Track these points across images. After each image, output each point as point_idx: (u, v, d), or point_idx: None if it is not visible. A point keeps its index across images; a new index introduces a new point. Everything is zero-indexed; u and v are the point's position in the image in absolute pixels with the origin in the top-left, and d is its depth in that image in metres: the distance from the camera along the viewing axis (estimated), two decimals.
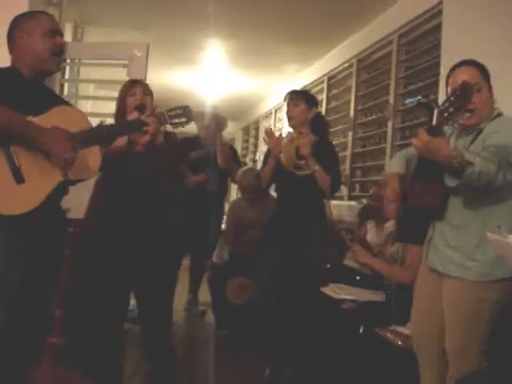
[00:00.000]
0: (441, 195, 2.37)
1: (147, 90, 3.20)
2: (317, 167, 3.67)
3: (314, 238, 3.81)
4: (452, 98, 2.12)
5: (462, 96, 2.12)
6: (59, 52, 2.42)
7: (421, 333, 2.57)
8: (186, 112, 2.74)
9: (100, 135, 2.43)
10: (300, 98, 3.89)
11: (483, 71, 2.42)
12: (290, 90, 4.14)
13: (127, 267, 3.18)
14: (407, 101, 4.85)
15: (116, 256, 3.16)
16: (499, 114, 2.43)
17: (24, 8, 3.92)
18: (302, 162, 3.70)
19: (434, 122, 2.14)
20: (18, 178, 2.20)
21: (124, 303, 3.32)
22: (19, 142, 2.21)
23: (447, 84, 2.47)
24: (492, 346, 2.34)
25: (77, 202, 3.90)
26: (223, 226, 5.65)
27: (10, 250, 2.22)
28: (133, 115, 2.94)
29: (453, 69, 2.47)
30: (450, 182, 2.25)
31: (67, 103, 2.61)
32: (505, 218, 2.31)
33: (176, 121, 2.72)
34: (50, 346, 3.60)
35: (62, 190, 2.36)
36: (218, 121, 5.75)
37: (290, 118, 3.89)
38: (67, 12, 5.21)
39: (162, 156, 3.20)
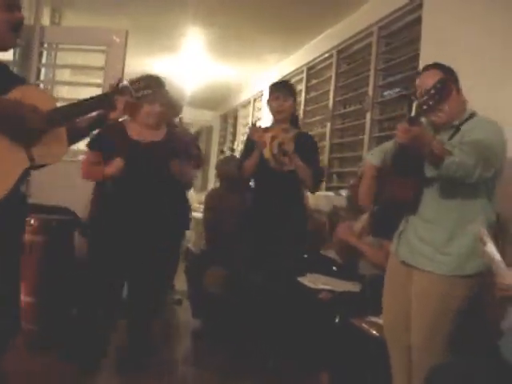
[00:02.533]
0: (414, 189, 2.41)
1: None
2: (299, 163, 3.66)
3: (294, 229, 3.81)
4: (432, 91, 2.16)
5: (441, 90, 2.16)
6: (17, 27, 2.27)
7: (390, 325, 2.62)
8: (149, 83, 2.60)
9: (66, 114, 2.33)
10: (289, 93, 3.91)
11: (449, 74, 2.45)
12: (268, 79, 4.14)
13: (125, 257, 3.40)
14: (386, 93, 4.87)
15: (115, 246, 3.38)
16: (473, 114, 2.48)
17: None
18: (286, 158, 3.67)
19: (414, 112, 2.19)
20: None
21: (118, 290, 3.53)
22: None
23: (416, 87, 2.50)
24: (456, 342, 2.39)
25: (48, 188, 3.97)
26: (197, 214, 5.66)
27: None
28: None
29: (419, 72, 2.54)
30: (429, 172, 2.28)
31: (23, 80, 2.48)
32: (478, 215, 2.35)
33: (140, 94, 2.56)
34: (24, 332, 3.61)
35: (26, 174, 2.28)
36: (173, 105, 5.75)
37: (279, 112, 3.85)
38: None
39: (160, 151, 3.42)
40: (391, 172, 2.46)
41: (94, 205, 3.58)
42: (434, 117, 2.41)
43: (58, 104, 2.40)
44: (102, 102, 2.51)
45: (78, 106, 2.41)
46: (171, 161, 3.38)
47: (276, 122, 3.92)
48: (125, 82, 2.58)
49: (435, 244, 2.40)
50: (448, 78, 2.26)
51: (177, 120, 5.33)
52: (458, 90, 2.47)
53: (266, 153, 3.71)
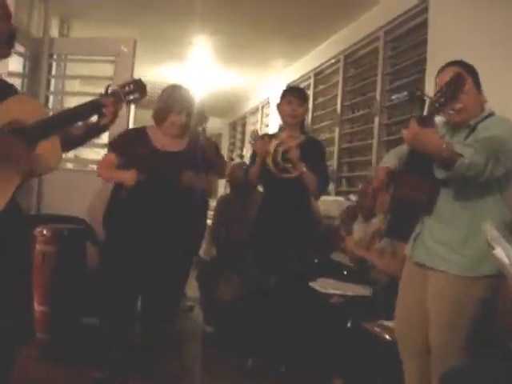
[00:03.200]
0: (429, 191, 2.39)
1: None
2: (304, 169, 3.66)
3: (299, 235, 3.81)
4: (444, 89, 2.15)
5: (454, 85, 2.14)
6: (12, 38, 2.26)
7: (404, 330, 2.59)
8: (138, 86, 2.53)
9: (56, 124, 2.28)
10: (304, 99, 3.92)
11: (470, 71, 2.43)
12: (275, 86, 4.14)
13: (139, 269, 3.33)
14: (394, 97, 4.88)
15: (129, 256, 3.33)
16: (491, 114, 2.45)
17: (11, 3, 3.89)
18: (290, 165, 3.67)
19: (426, 111, 2.17)
20: None
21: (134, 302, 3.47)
22: None
23: (436, 85, 2.48)
24: (475, 343, 2.37)
25: (59, 198, 3.96)
26: (209, 221, 5.66)
27: None
28: None
29: (440, 70, 2.49)
30: (440, 174, 2.27)
31: (16, 91, 2.45)
32: (492, 214, 2.32)
33: (131, 97, 2.50)
34: (37, 341, 3.64)
35: (20, 185, 2.25)
36: (198, 116, 5.77)
37: (292, 117, 3.83)
38: (53, 7, 5.19)
39: (181, 162, 3.37)
40: (406, 171, 2.44)
41: (109, 214, 3.57)
42: (448, 115, 2.39)
43: None
44: (90, 108, 2.44)
45: (66, 115, 2.38)
46: (183, 172, 3.35)
47: (286, 126, 3.90)
48: (115, 87, 2.53)
49: (450, 244, 2.38)
50: (462, 74, 2.23)
51: (200, 129, 5.35)
52: (478, 89, 2.44)
53: (268, 161, 3.69)
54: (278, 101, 4.01)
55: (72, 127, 2.45)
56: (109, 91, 2.49)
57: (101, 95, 2.47)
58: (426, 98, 2.21)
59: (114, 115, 2.45)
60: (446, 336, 2.38)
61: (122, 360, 3.42)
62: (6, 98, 2.22)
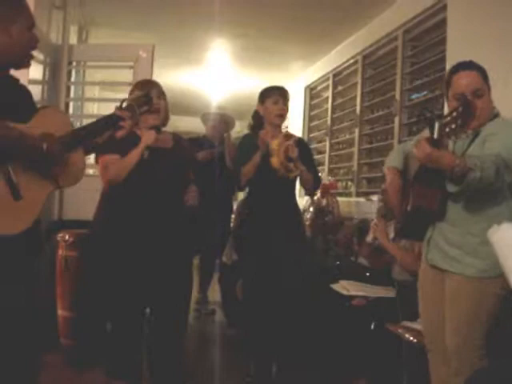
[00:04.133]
0: (440, 200, 2.38)
1: (162, 93, 3.20)
2: (303, 168, 3.64)
3: (299, 234, 3.83)
4: (454, 114, 2.12)
5: (465, 114, 2.11)
6: (35, 47, 2.26)
7: (430, 329, 2.59)
8: (147, 99, 2.65)
9: (82, 137, 2.33)
10: (288, 99, 3.84)
11: (484, 75, 2.41)
12: (294, 87, 4.12)
13: (140, 279, 3.07)
14: (414, 96, 4.85)
15: (126, 269, 3.07)
16: (497, 115, 2.44)
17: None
18: (292, 164, 3.60)
19: (436, 135, 2.15)
20: (16, 194, 2.08)
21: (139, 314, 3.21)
22: (14, 156, 2.08)
23: (448, 85, 2.46)
24: (492, 339, 2.35)
25: (79, 203, 3.92)
26: (231, 224, 5.65)
27: (7, 266, 2.12)
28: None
29: (454, 71, 2.44)
30: (451, 188, 2.27)
31: (31, 96, 2.40)
32: (506, 217, 2.31)
33: (142, 110, 2.60)
34: (60, 347, 3.65)
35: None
36: (226, 121, 5.81)
37: (281, 116, 3.78)
38: (72, 14, 5.23)
39: (171, 160, 3.18)
40: (417, 180, 2.43)
41: (104, 214, 3.30)
42: (458, 137, 2.32)
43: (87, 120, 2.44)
44: (107, 123, 2.49)
45: (87, 129, 2.41)
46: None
47: (270, 126, 3.80)
48: (129, 101, 2.62)
49: (465, 248, 2.38)
50: (472, 102, 2.22)
51: (225, 135, 5.36)
52: (489, 92, 2.42)
53: (275, 162, 3.62)
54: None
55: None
56: (123, 105, 2.56)
57: (116, 109, 2.53)
58: (436, 120, 2.17)
59: (130, 128, 2.53)
60: (463, 335, 2.37)
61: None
62: (31, 106, 2.24)
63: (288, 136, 3.67)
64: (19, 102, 2.21)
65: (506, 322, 2.39)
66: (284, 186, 3.68)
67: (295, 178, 3.68)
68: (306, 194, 4.04)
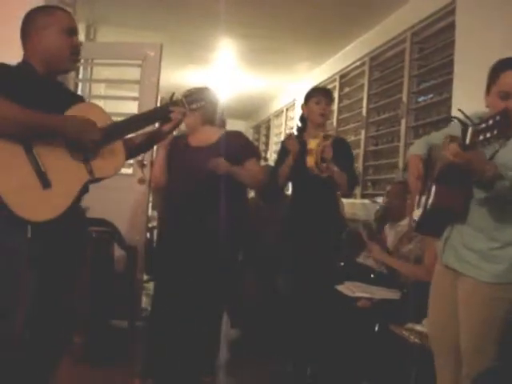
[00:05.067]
0: (464, 202, 2.35)
1: None
2: (335, 169, 3.65)
3: (332, 238, 3.83)
4: (490, 122, 1.96)
5: (503, 124, 1.95)
6: (77, 52, 2.38)
7: (437, 331, 2.56)
8: (202, 94, 2.66)
9: (123, 129, 2.39)
10: (331, 100, 3.97)
11: None
12: (300, 89, 4.13)
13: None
14: (421, 99, 4.85)
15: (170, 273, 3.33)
16: None
17: None
18: (325, 164, 3.66)
19: (468, 141, 2.03)
20: (45, 182, 2.14)
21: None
22: (42, 141, 2.15)
23: (492, 81, 2.34)
24: (506, 344, 2.34)
25: (95, 201, 3.98)
26: None
27: (33, 252, 2.17)
28: None
29: (503, 68, 2.31)
30: (479, 194, 2.24)
31: (83, 100, 2.58)
32: None
33: (193, 106, 2.60)
34: (72, 344, 3.67)
35: (85, 189, 2.33)
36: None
37: (323, 115, 3.86)
38: (80, 12, 5.24)
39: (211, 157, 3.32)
40: (443, 179, 2.38)
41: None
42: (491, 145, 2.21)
43: None
44: (157, 114, 2.57)
45: (133, 120, 2.47)
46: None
47: (313, 126, 3.90)
48: (178, 95, 2.63)
49: (483, 252, 2.33)
50: (509, 111, 2.04)
51: None
52: None
53: (310, 161, 3.67)
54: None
55: (133, 136, 2.56)
56: (173, 99, 2.59)
57: (167, 103, 2.57)
58: (468, 124, 2.07)
59: (179, 123, 2.57)
60: (476, 340, 2.34)
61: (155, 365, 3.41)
62: (68, 104, 2.28)
63: (327, 136, 3.72)
64: (61, 103, 2.27)
65: None
66: (321, 187, 3.72)
67: (330, 179, 3.70)
68: (342, 195, 4.05)
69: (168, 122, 2.52)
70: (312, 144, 3.66)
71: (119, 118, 2.69)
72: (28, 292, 2.19)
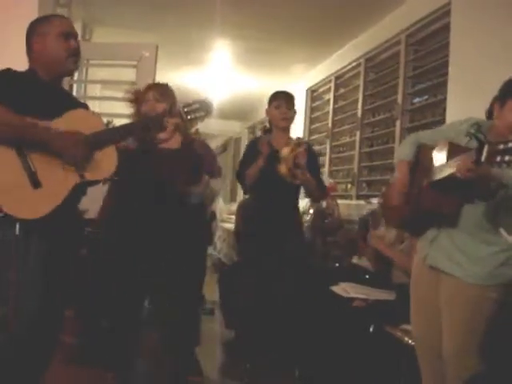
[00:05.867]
0: (455, 206, 2.36)
1: (160, 96, 3.17)
2: (308, 175, 3.67)
3: (299, 238, 3.93)
4: (510, 145, 1.87)
5: None
6: (75, 54, 2.45)
7: (420, 332, 2.58)
8: (203, 106, 2.66)
9: (113, 137, 2.44)
10: (293, 102, 3.95)
11: None
12: (295, 90, 4.16)
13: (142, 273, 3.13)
14: (416, 100, 4.86)
15: (130, 262, 3.13)
16: None
17: (34, 8, 3.95)
18: (298, 170, 3.65)
19: (483, 159, 1.96)
20: (35, 182, 2.24)
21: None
22: (33, 146, 2.24)
23: (504, 100, 2.28)
24: (489, 344, 2.35)
25: (93, 203, 3.94)
26: (227, 225, 5.67)
27: (28, 251, 2.24)
28: None
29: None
30: (479, 202, 2.26)
31: (85, 106, 2.64)
32: None
33: (192, 116, 2.62)
34: (63, 345, 3.65)
35: (80, 191, 2.40)
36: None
37: (286, 119, 3.89)
38: (75, 12, 5.24)
39: (175, 160, 3.19)
40: (437, 186, 2.38)
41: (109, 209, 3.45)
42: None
43: None
44: (153, 123, 2.62)
45: (126, 128, 2.52)
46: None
47: (278, 130, 3.92)
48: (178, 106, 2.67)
49: (474, 255, 2.35)
50: None
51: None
52: None
53: (282, 169, 3.67)
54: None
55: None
56: (172, 110, 2.68)
57: (165, 112, 2.66)
58: (485, 142, 1.99)
59: (173, 133, 2.67)
60: (460, 340, 2.36)
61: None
62: (67, 109, 2.37)
63: (300, 143, 3.72)
64: (61, 108, 2.35)
65: (503, 329, 2.39)
66: (287, 190, 3.75)
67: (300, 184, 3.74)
68: (312, 201, 4.11)
69: (163, 130, 2.62)
70: (285, 151, 3.67)
71: (115, 119, 2.72)
72: (20, 290, 2.22)
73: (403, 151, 2.65)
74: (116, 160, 2.41)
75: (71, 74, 2.58)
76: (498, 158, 1.88)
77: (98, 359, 3.62)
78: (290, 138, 3.83)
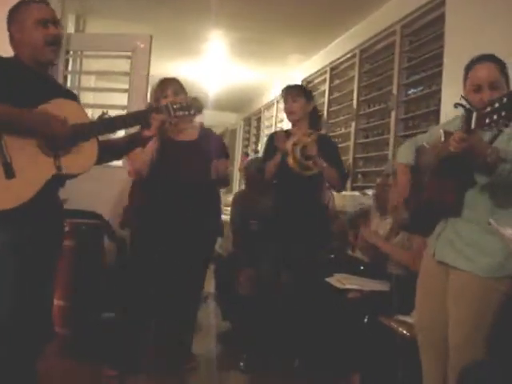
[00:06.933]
0: (456, 192, 2.35)
1: (179, 89, 3.34)
2: (324, 164, 3.68)
3: (318, 231, 3.85)
4: (496, 105, 1.96)
5: (510, 104, 1.94)
6: (53, 41, 2.35)
7: (425, 325, 2.57)
8: (192, 104, 2.63)
9: (96, 129, 2.39)
10: (299, 94, 3.88)
11: (502, 68, 2.38)
12: (290, 81, 4.14)
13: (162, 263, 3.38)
14: (411, 91, 4.86)
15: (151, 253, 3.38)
16: None
17: None
18: (310, 162, 3.69)
19: (473, 125, 2.05)
20: (9, 173, 2.17)
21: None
22: (12, 133, 2.18)
23: (466, 77, 2.44)
24: (495, 337, 2.35)
25: (75, 193, 3.98)
26: (225, 217, 5.65)
27: (7, 243, 2.19)
28: None
29: (473, 63, 2.42)
30: (481, 179, 2.25)
31: (73, 95, 2.59)
32: None
33: (180, 113, 2.59)
34: (58, 337, 3.67)
35: (57, 183, 2.35)
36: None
37: (290, 113, 3.88)
38: (69, 3, 5.21)
39: (195, 151, 3.40)
40: (434, 174, 2.39)
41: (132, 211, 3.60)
42: (499, 129, 2.21)
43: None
44: (137, 118, 2.57)
45: (110, 122, 2.47)
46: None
47: (292, 123, 3.95)
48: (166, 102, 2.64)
49: (481, 246, 2.34)
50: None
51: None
52: (508, 86, 2.38)
53: (290, 161, 3.71)
54: None
55: (113, 138, 2.61)
56: (159, 105, 2.66)
57: (151, 108, 2.62)
58: (472, 110, 2.08)
59: (159, 129, 2.55)
60: (466, 333, 2.34)
61: (135, 358, 3.45)
62: (54, 96, 2.31)
63: (307, 134, 3.73)
64: (45, 95, 2.29)
65: (510, 322, 2.39)
66: (305, 184, 3.76)
67: (316, 175, 3.73)
68: (334, 190, 4.09)
69: (148, 127, 2.52)
70: (287, 144, 3.73)
71: (109, 110, 2.69)
72: (6, 283, 2.20)
73: (402, 154, 2.71)
74: (96, 155, 2.36)
75: (51, 63, 2.43)
76: (487, 120, 1.97)
77: (94, 352, 3.63)
78: (298, 130, 3.84)
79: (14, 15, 2.38)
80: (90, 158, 2.35)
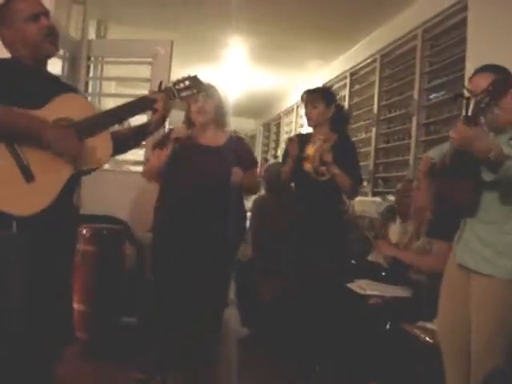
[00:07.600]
0: (472, 191, 2.34)
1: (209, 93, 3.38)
2: (337, 171, 3.67)
3: (336, 237, 3.85)
4: (490, 88, 2.09)
5: (498, 86, 2.09)
6: (49, 33, 2.29)
7: (447, 331, 2.54)
8: (194, 82, 2.62)
9: (104, 121, 2.33)
10: (318, 99, 3.86)
11: (505, 74, 2.35)
12: (310, 86, 4.12)
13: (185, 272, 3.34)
14: (432, 96, 4.82)
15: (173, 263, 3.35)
16: None
17: (51, 4, 3.93)
18: (324, 168, 3.70)
19: (470, 112, 2.12)
20: (28, 176, 2.12)
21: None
22: (23, 139, 2.13)
23: (469, 86, 2.45)
24: None
25: (95, 198, 3.99)
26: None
27: (23, 247, 2.14)
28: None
29: (474, 71, 2.45)
30: (487, 176, 2.23)
31: (75, 89, 2.55)
32: None
33: (184, 94, 2.58)
34: (78, 341, 3.68)
35: (74, 182, 2.30)
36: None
37: (309, 119, 3.89)
38: (91, 9, 5.25)
39: (218, 158, 3.37)
40: (447, 174, 2.39)
41: (156, 214, 3.58)
42: (494, 116, 2.24)
43: None
44: (141, 103, 2.49)
45: (114, 112, 2.42)
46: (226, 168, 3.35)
47: (312, 128, 3.95)
48: (168, 84, 2.63)
49: (498, 247, 2.31)
50: (503, 77, 2.20)
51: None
52: None
53: (307, 166, 3.73)
54: None
55: (122, 129, 2.56)
56: (162, 88, 2.56)
57: (154, 91, 2.54)
58: (471, 97, 2.16)
59: (166, 111, 2.51)
60: (486, 340, 2.31)
61: (160, 362, 3.44)
62: (54, 94, 2.26)
63: (326, 140, 3.74)
64: (48, 92, 2.25)
65: None
66: (323, 189, 3.76)
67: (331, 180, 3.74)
68: (346, 197, 4.08)
69: (153, 110, 2.47)
70: (310, 150, 3.75)
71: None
72: (18, 286, 2.16)
73: (429, 153, 2.76)
74: (111, 146, 2.30)
75: (52, 56, 2.37)
76: (483, 105, 2.08)
77: (115, 356, 3.64)
78: (319, 134, 3.84)
79: (1, 18, 2.30)
80: (105, 149, 2.30)
